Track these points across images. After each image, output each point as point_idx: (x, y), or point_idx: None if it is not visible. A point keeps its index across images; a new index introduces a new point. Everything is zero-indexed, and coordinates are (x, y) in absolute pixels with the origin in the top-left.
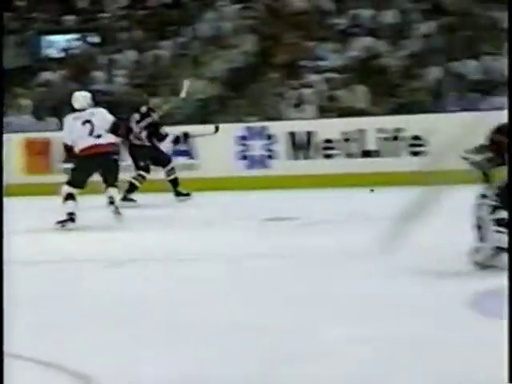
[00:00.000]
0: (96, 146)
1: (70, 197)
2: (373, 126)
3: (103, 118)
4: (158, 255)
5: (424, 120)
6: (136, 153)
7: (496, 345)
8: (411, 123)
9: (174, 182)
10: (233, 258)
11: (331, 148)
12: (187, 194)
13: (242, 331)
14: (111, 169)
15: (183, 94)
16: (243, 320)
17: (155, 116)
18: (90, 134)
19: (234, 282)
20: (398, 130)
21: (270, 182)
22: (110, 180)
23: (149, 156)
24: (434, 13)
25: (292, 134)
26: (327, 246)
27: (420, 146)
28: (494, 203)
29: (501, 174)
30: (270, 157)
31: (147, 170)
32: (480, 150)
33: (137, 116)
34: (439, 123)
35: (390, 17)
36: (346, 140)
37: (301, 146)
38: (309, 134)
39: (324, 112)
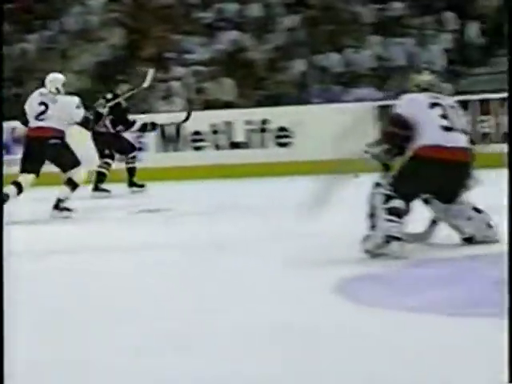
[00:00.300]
0: (36, 128)
1: (13, 183)
2: (240, 118)
3: (67, 106)
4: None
5: (290, 112)
6: (101, 140)
7: (360, 329)
8: (277, 115)
9: (132, 172)
10: (103, 251)
11: (200, 140)
12: (141, 186)
13: (98, 322)
14: (54, 155)
15: (146, 84)
16: (102, 312)
17: (123, 102)
18: (37, 116)
19: (104, 274)
20: (264, 121)
21: (141, 175)
22: (63, 167)
23: (113, 143)
24: (297, 6)
25: (161, 127)
26: (199, 238)
27: (286, 137)
28: (387, 192)
29: (396, 164)
30: (140, 149)
31: (112, 158)
32: (378, 142)
33: (102, 102)
34: (304, 115)
35: (254, 10)
36: (215, 132)
37: (170, 138)
38: (177, 126)
39: (192, 104)
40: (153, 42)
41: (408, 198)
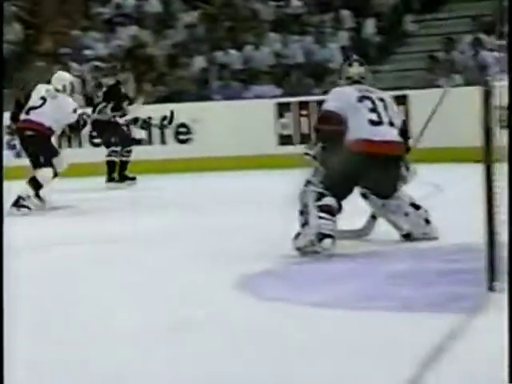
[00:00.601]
0: (22, 121)
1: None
2: (140, 114)
3: (65, 106)
4: None
5: (190, 108)
6: (103, 129)
7: (261, 324)
8: (177, 111)
9: (124, 165)
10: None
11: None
12: (133, 178)
13: None
14: (28, 148)
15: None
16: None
17: (123, 91)
18: (30, 109)
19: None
20: (164, 118)
21: None
22: (33, 163)
23: (113, 133)
24: (196, 2)
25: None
26: (102, 234)
27: (186, 133)
28: (318, 190)
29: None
30: None
31: (117, 145)
32: (315, 142)
33: (104, 89)
34: (204, 111)
35: (153, 6)
36: None
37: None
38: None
39: (91, 100)
40: (50, 38)
41: (339, 195)
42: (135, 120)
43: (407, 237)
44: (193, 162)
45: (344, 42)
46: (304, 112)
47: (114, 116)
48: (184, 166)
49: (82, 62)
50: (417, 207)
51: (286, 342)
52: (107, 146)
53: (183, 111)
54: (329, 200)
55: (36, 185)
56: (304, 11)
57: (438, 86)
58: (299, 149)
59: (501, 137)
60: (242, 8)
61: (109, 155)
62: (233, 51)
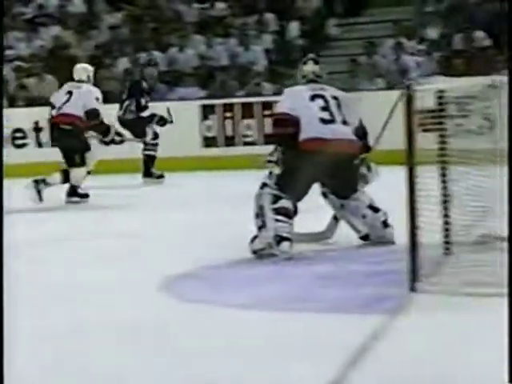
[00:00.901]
0: (55, 116)
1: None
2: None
3: (88, 93)
4: None
5: (114, 109)
6: (136, 126)
7: (183, 325)
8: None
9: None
10: None
11: (22, 137)
12: (161, 176)
13: None
14: (62, 141)
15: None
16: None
17: (145, 85)
18: (62, 105)
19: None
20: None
21: None
22: (65, 158)
23: (148, 127)
24: (119, 3)
25: None
26: (31, 236)
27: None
28: (274, 192)
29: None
30: None
31: (157, 137)
32: (275, 148)
33: (128, 84)
34: None
35: (76, 6)
36: (37, 129)
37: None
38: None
39: (13, 101)
40: None
41: (295, 196)
42: (152, 116)
43: (365, 239)
44: (117, 163)
45: (268, 44)
46: (228, 114)
47: (138, 113)
48: (110, 167)
49: (3, 61)
50: (375, 210)
51: (206, 344)
52: (144, 141)
53: (108, 112)
54: (285, 202)
55: (65, 180)
56: (228, 13)
57: (360, 90)
58: (223, 151)
59: (422, 140)
60: (166, 10)
61: (146, 149)
62: (157, 53)
